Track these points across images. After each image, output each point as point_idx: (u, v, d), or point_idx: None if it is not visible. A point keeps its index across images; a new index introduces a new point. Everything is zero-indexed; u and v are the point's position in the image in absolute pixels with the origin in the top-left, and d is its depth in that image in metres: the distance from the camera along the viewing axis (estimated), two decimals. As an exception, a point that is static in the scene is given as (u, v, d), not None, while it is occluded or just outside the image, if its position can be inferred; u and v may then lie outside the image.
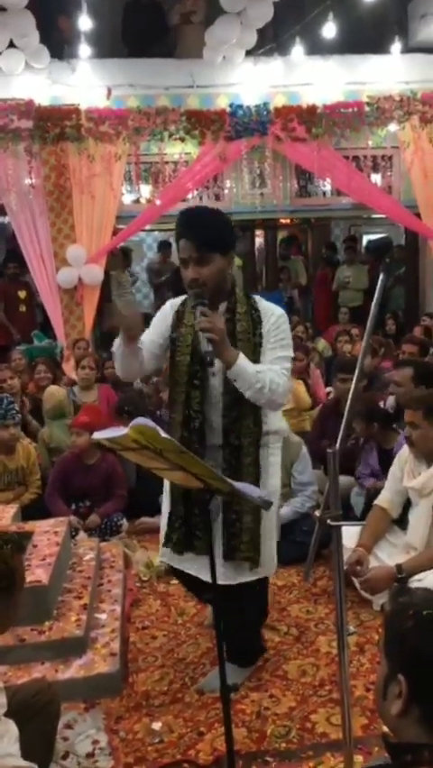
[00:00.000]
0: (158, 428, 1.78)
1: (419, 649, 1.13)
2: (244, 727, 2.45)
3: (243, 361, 2.33)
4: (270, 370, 2.38)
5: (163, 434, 1.77)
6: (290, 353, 2.52)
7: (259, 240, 9.83)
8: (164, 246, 9.72)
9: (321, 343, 7.28)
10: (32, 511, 4.09)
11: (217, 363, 2.33)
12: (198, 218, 2.45)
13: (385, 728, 1.25)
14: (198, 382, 2.46)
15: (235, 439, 2.46)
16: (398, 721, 1.14)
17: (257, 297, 2.57)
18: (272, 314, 2.51)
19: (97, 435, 2.03)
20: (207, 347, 2.26)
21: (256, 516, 2.47)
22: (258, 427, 2.49)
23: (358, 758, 2.17)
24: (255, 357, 2.42)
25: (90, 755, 2.34)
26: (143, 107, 6.84)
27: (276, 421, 2.63)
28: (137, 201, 7.49)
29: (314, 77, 7.01)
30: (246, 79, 6.95)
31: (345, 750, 2.01)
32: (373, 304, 1.95)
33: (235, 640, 2.58)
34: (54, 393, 4.99)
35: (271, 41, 7.00)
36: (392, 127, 7.19)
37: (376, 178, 7.59)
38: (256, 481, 2.45)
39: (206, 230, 2.39)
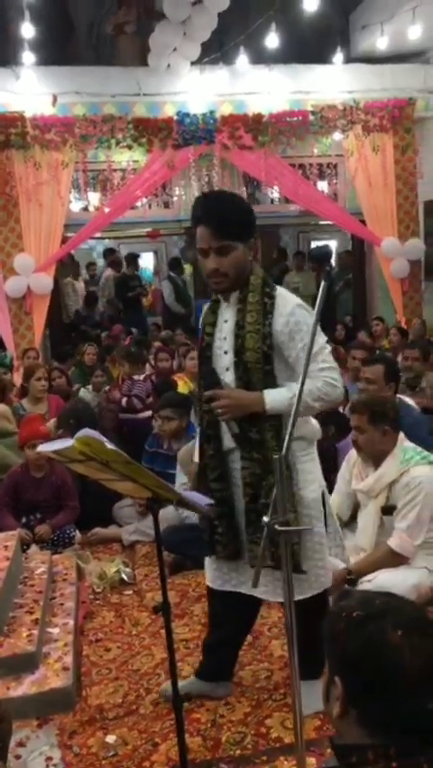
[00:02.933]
0: (104, 439, 1.77)
1: (349, 651, 1.15)
2: (198, 736, 2.44)
3: (269, 398, 2.26)
4: (310, 382, 2.18)
5: (110, 445, 1.76)
6: (324, 348, 2.31)
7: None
8: (132, 258, 9.78)
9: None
10: (-18, 526, 4.01)
11: (227, 356, 2.35)
12: (219, 204, 2.32)
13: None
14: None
15: (256, 434, 2.31)
16: (339, 723, 1.16)
17: (278, 287, 2.40)
18: (290, 303, 2.31)
19: (43, 448, 2.02)
20: (234, 429, 2.30)
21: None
22: (277, 422, 2.31)
23: (311, 760, 2.20)
24: (266, 347, 2.29)
25: (43, 772, 2.31)
26: (90, 115, 6.81)
27: (300, 423, 2.30)
28: (86, 209, 7.46)
29: (259, 87, 7.10)
30: (193, 88, 6.99)
31: (297, 753, 2.02)
32: (316, 309, 1.98)
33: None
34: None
35: (216, 51, 7.06)
36: (337, 136, 7.33)
37: (322, 185, 7.73)
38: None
39: (226, 217, 2.26)
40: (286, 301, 2.33)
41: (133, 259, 10.00)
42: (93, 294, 9.97)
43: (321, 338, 2.32)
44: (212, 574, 2.56)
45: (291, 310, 2.30)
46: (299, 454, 2.38)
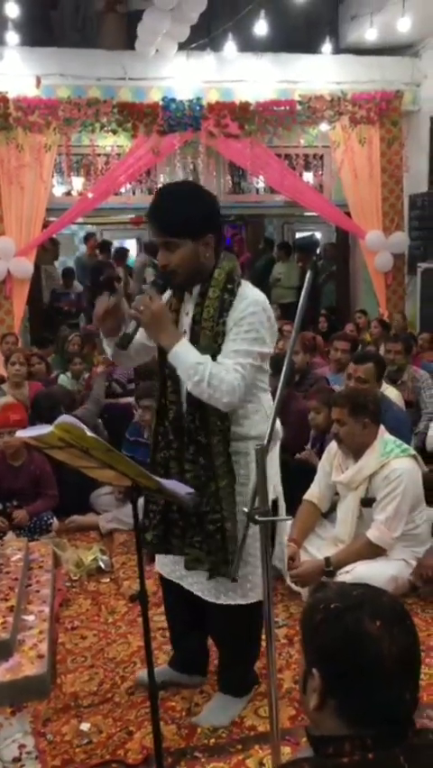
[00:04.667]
0: (84, 426, 1.75)
1: (326, 642, 1.14)
2: (173, 724, 2.44)
3: (182, 347, 2.13)
4: (217, 363, 2.12)
5: (89, 433, 1.74)
6: (255, 348, 2.17)
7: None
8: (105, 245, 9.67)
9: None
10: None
11: None
12: (168, 199, 2.23)
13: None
14: (168, 371, 2.26)
15: (204, 437, 2.22)
16: (316, 714, 1.16)
17: (244, 283, 2.28)
18: (244, 299, 2.20)
19: (21, 434, 1.99)
20: (127, 329, 2.16)
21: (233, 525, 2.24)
22: (225, 426, 2.22)
23: (286, 749, 2.20)
24: (217, 345, 2.17)
25: (17, 760, 2.29)
26: (74, 98, 6.72)
27: (256, 424, 2.27)
28: (68, 193, 7.37)
29: (247, 75, 7.05)
30: (179, 73, 6.92)
31: (272, 742, 2.03)
32: (301, 300, 1.96)
33: (226, 665, 2.52)
34: None
35: (203, 36, 6.99)
36: (324, 127, 7.30)
37: (308, 176, 7.70)
38: (232, 490, 2.23)
39: (171, 213, 2.17)
40: (243, 298, 2.21)
41: (106, 246, 9.89)
42: (70, 270, 9.83)
43: (265, 347, 2.22)
44: (161, 560, 2.51)
45: (244, 307, 2.19)
46: (253, 455, 2.07)
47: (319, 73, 7.22)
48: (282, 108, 7.12)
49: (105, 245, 9.94)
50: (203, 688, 2.65)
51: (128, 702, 2.59)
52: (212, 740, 2.36)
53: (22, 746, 2.35)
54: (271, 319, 2.26)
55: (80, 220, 8.43)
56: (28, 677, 2.63)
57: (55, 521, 4.20)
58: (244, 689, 2.54)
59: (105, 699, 2.61)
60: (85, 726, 2.45)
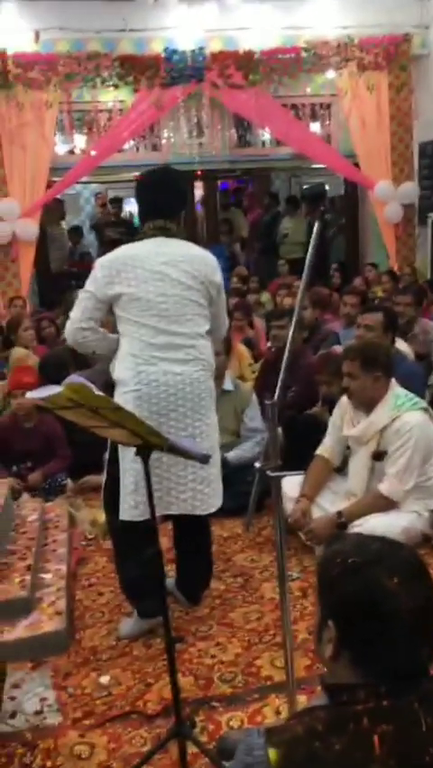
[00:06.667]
0: (92, 386, 1.74)
1: (343, 596, 1.14)
2: (191, 676, 2.49)
3: None
4: None
5: (97, 392, 1.73)
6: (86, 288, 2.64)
7: (198, 192, 9.68)
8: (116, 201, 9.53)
9: (264, 296, 7.28)
10: (-28, 475, 4.01)
11: None
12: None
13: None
14: None
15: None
16: (331, 664, 1.17)
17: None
18: None
19: (31, 395, 1.98)
20: None
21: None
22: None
23: (302, 698, 2.24)
24: None
25: (38, 713, 2.35)
26: (74, 52, 6.55)
27: (119, 370, 2.63)
28: (71, 152, 7.25)
29: (250, 21, 6.83)
30: (181, 23, 6.72)
31: (288, 691, 2.07)
32: (309, 252, 1.93)
33: (206, 565, 2.92)
34: (21, 356, 4.82)
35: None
36: (330, 74, 7.10)
37: (315, 127, 7.52)
38: None
39: None
40: None
41: (117, 202, 9.77)
42: (76, 228, 9.72)
43: (87, 286, 2.63)
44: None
45: None
46: (116, 393, 2.58)
47: (325, 18, 6.97)
48: (288, 56, 6.92)
49: (117, 201, 9.82)
50: (219, 640, 2.69)
51: (146, 655, 2.64)
52: (229, 690, 2.41)
53: (43, 700, 2.41)
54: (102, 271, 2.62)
55: (85, 179, 8.30)
56: (47, 633, 2.68)
57: (69, 482, 4.23)
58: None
59: (124, 653, 2.67)
60: (104, 679, 2.51)
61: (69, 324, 2.67)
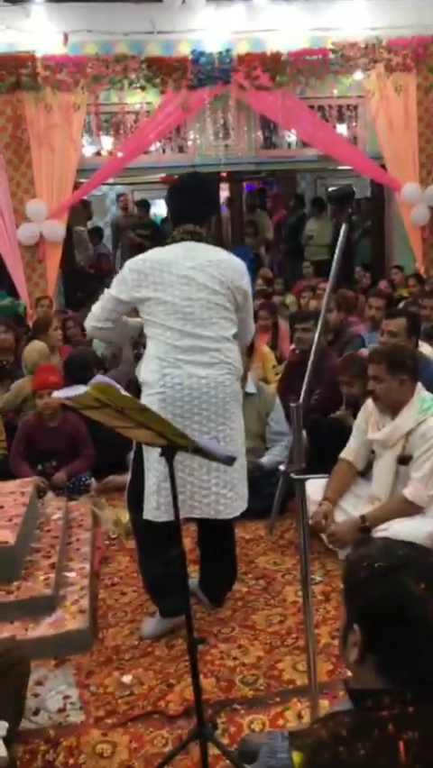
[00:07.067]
0: (118, 386, 1.75)
1: (370, 601, 1.14)
2: (213, 677, 2.49)
3: None
4: None
5: (124, 392, 1.74)
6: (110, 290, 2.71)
7: (224, 193, 9.69)
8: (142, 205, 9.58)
9: (289, 299, 7.26)
10: (-2, 472, 4.06)
11: None
12: None
13: (349, 673, 1.28)
14: None
15: None
16: (356, 668, 1.16)
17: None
18: None
19: (58, 394, 2.00)
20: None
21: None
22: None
23: (324, 702, 2.23)
24: None
25: (61, 710, 2.37)
26: (102, 54, 6.59)
27: (144, 373, 2.65)
28: (98, 153, 7.29)
29: (278, 23, 6.81)
30: (208, 25, 6.72)
31: (310, 695, 2.06)
32: (336, 255, 1.92)
33: (230, 567, 2.95)
34: (38, 348, 4.85)
35: (233, -16, 6.77)
36: (358, 76, 7.06)
37: (342, 128, 7.48)
38: None
39: None
40: None
41: (143, 205, 9.80)
42: (96, 229, 9.77)
43: (112, 289, 2.69)
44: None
45: None
46: (142, 395, 2.61)
47: (353, 19, 6.92)
48: (315, 57, 6.89)
49: (143, 204, 9.85)
50: (241, 642, 2.69)
51: (168, 656, 2.65)
52: (251, 693, 2.40)
53: (66, 697, 2.43)
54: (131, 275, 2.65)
55: (111, 181, 8.35)
56: (71, 631, 2.70)
57: (93, 481, 4.26)
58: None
59: (146, 653, 2.68)
60: (126, 679, 2.52)
61: (87, 320, 2.79)
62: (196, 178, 2.92)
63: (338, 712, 1.20)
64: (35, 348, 4.86)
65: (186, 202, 2.73)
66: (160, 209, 10.62)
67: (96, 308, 2.74)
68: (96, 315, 2.73)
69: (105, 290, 2.73)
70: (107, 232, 10.17)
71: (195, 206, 2.72)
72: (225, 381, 2.61)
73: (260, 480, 3.62)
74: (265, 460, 3.89)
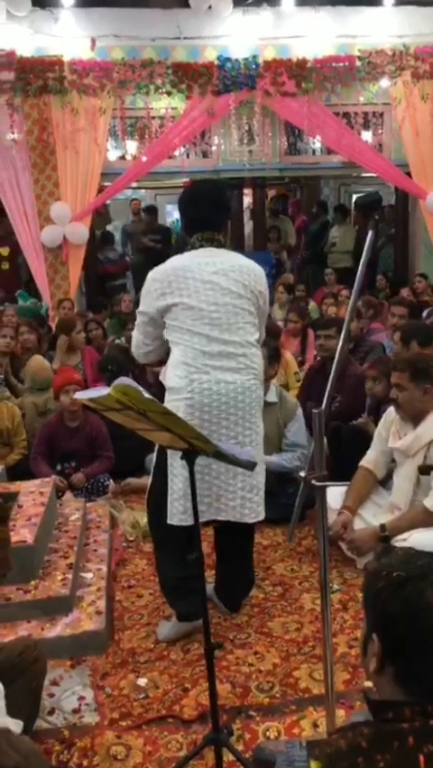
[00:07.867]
0: (141, 388, 1.75)
1: (388, 610, 1.13)
2: (228, 683, 2.48)
3: None
4: None
5: (147, 395, 1.74)
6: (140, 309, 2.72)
7: (247, 199, 9.68)
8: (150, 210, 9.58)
9: (311, 305, 7.24)
10: (18, 472, 4.08)
11: None
12: None
13: (367, 684, 1.27)
14: None
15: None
16: (376, 678, 1.15)
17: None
18: None
19: (80, 395, 2.01)
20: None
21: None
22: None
23: (340, 712, 2.21)
24: None
25: (76, 711, 2.37)
26: (128, 59, 6.64)
27: (171, 378, 2.62)
28: (123, 157, 7.34)
29: (304, 30, 6.83)
30: (235, 31, 6.76)
31: (327, 704, 2.04)
32: (362, 262, 1.91)
33: (248, 573, 2.95)
34: (41, 364, 4.88)
35: (260, -9, 6.79)
36: (384, 83, 7.04)
37: (367, 135, 7.46)
38: None
39: None
40: None
41: (151, 211, 9.79)
42: (107, 234, 9.80)
43: (142, 306, 2.70)
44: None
45: None
46: (166, 401, 2.58)
47: (380, 26, 6.92)
48: (341, 64, 6.89)
49: (151, 210, 9.86)
50: (257, 649, 2.68)
51: (183, 660, 2.64)
52: (266, 700, 2.39)
53: (81, 698, 2.43)
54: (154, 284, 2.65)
55: (134, 185, 8.39)
56: (87, 632, 2.70)
57: (111, 483, 4.27)
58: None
59: (162, 657, 2.67)
60: (142, 681, 2.52)
61: (134, 349, 2.83)
62: (208, 185, 2.88)
63: (358, 723, 1.18)
64: (37, 362, 4.88)
65: (200, 210, 2.72)
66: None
67: (134, 335, 2.77)
68: (139, 341, 2.76)
69: (137, 313, 2.76)
70: (117, 236, 10.18)
71: (210, 214, 2.71)
72: (251, 387, 2.61)
73: (275, 488, 3.62)
74: (274, 458, 3.77)
